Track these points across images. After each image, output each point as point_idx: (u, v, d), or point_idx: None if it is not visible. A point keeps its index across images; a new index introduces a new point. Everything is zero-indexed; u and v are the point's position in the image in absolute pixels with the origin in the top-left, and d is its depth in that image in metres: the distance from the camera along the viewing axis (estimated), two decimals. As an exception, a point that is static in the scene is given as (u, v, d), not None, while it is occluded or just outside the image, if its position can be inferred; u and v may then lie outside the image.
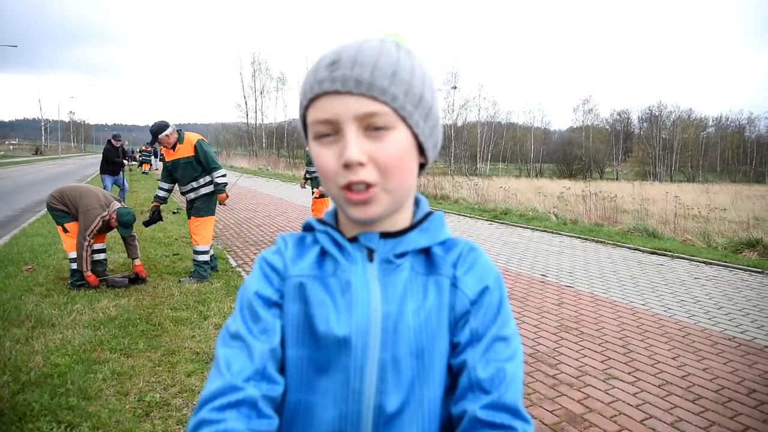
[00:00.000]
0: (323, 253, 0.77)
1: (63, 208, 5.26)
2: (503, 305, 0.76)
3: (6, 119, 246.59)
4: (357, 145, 0.67)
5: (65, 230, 5.29)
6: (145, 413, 2.96)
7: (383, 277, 0.74)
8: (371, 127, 0.68)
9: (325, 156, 0.70)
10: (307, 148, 8.41)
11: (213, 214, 5.90)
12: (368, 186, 0.68)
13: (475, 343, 0.73)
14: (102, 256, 5.67)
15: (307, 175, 7.91)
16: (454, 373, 0.74)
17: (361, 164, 0.67)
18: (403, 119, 0.70)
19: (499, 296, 0.76)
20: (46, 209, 5.57)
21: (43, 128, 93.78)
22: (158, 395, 3.15)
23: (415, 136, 0.72)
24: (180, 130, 5.74)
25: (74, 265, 5.30)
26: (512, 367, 0.72)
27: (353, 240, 0.76)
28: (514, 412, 0.69)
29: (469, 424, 0.69)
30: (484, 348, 0.72)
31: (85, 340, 3.93)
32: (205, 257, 5.75)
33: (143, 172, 25.01)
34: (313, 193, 7.79)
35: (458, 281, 0.75)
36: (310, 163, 7.82)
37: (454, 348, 0.74)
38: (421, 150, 0.74)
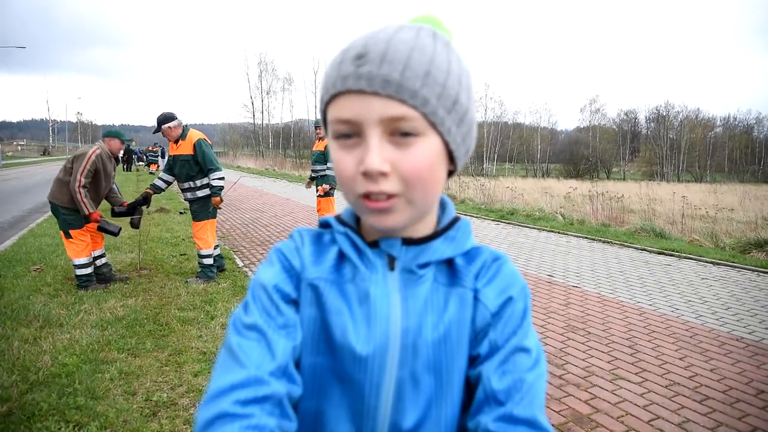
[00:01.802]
0: (342, 256, 0.72)
1: (69, 205, 5.13)
2: (527, 316, 0.71)
3: (14, 120, 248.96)
4: (380, 153, 0.60)
5: (68, 236, 5.22)
6: (152, 413, 2.97)
7: (404, 288, 0.69)
8: (397, 132, 0.61)
9: (344, 160, 0.64)
10: (312, 148, 8.37)
11: (213, 217, 5.87)
12: (389, 196, 0.62)
13: (492, 355, 0.69)
14: (104, 260, 5.64)
15: (312, 174, 7.90)
16: (471, 386, 0.70)
17: (383, 174, 0.61)
18: (434, 125, 0.62)
19: (523, 307, 0.71)
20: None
21: (50, 129, 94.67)
22: (165, 395, 3.17)
23: (446, 144, 0.65)
24: (186, 126, 5.72)
25: (79, 271, 5.30)
26: (532, 377, 0.67)
27: (374, 244, 0.71)
28: (531, 424, 0.64)
29: None
30: (501, 359, 0.68)
31: (92, 340, 3.96)
32: (209, 260, 5.76)
33: (150, 173, 25.11)
34: (317, 191, 7.79)
35: (479, 293, 0.71)
36: (315, 162, 7.81)
37: (473, 360, 0.70)
38: (451, 157, 0.67)
